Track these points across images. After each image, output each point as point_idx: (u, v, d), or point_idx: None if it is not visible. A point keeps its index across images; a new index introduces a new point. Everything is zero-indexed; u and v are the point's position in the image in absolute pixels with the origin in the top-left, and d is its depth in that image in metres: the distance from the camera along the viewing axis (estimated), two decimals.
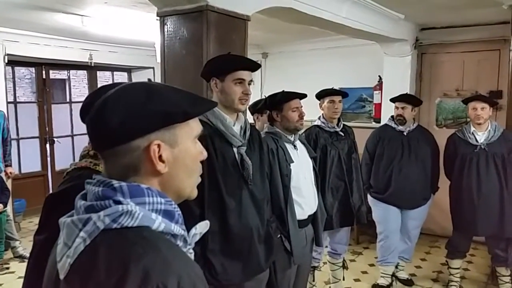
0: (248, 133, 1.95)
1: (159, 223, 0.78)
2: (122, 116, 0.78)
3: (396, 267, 3.72)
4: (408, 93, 3.84)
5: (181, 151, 0.83)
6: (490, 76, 4.30)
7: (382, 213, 3.48)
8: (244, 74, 1.86)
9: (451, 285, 3.50)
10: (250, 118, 3.12)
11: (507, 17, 3.48)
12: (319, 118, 3.16)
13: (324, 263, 3.61)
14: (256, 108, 3.15)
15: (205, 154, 0.89)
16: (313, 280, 3.27)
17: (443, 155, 3.46)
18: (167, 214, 0.81)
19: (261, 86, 5.69)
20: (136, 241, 0.74)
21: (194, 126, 0.86)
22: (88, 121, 0.82)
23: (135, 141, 0.78)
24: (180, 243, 0.82)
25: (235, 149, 1.89)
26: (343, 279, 3.45)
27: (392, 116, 3.53)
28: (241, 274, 1.89)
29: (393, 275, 3.68)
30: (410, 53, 4.50)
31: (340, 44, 5.00)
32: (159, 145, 0.79)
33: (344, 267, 3.44)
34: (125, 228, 0.75)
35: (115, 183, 0.78)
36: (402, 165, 3.38)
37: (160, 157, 0.80)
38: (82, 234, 0.75)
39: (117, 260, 0.72)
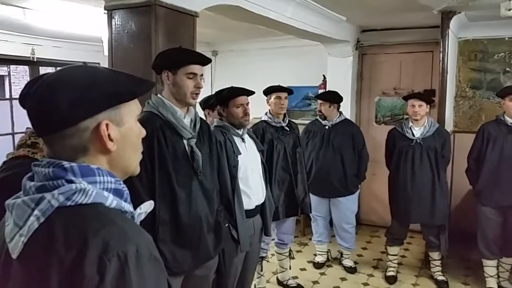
0: (198, 125, 2.01)
1: (111, 200, 0.82)
2: (71, 98, 0.79)
3: (342, 255, 3.97)
4: (332, 90, 4.06)
5: (126, 129, 0.88)
6: (425, 75, 4.61)
7: (311, 199, 3.70)
8: (196, 68, 1.92)
9: (389, 271, 3.75)
10: (201, 114, 3.19)
11: (438, 22, 3.77)
12: (266, 114, 3.29)
13: (272, 254, 3.75)
14: (207, 104, 3.22)
15: (144, 132, 0.95)
16: (261, 270, 3.40)
17: (384, 149, 3.71)
18: (117, 193, 0.85)
19: (211, 83, 5.75)
20: (92, 216, 0.78)
21: (135, 106, 0.91)
22: (32, 106, 0.82)
23: (84, 121, 0.81)
24: None
25: (185, 141, 1.94)
26: (290, 268, 3.61)
27: (320, 111, 3.86)
28: (191, 262, 1.96)
29: (334, 259, 4.04)
30: (352, 54, 4.73)
31: (287, 44, 5.16)
32: (107, 124, 0.83)
33: (291, 256, 3.60)
34: (79, 205, 0.79)
35: (66, 163, 0.81)
36: (320, 155, 3.71)
37: (109, 135, 0.83)
38: (36, 212, 0.77)
39: (75, 234, 0.75)
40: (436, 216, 3.39)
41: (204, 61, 1.97)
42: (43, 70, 6.50)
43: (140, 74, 0.95)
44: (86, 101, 0.80)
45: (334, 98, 3.76)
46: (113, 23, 2.27)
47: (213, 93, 3.06)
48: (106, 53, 2.48)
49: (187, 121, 1.97)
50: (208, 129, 2.16)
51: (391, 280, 3.68)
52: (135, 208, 0.91)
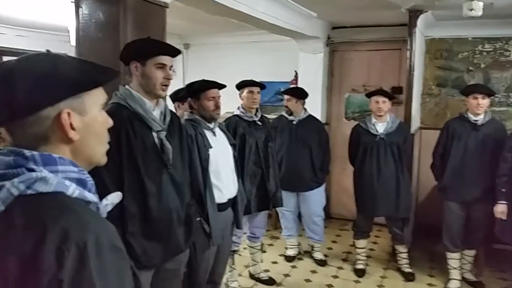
0: (168, 118, 1.98)
1: (73, 189, 0.81)
2: (31, 85, 0.78)
3: (312, 248, 4.04)
4: (298, 86, 4.15)
5: (90, 119, 0.87)
6: (392, 73, 4.72)
7: None
8: (166, 59, 1.89)
9: (358, 264, 3.84)
10: (171, 107, 3.15)
11: (405, 20, 3.86)
12: (238, 108, 3.29)
13: (244, 248, 3.76)
14: (178, 97, 3.19)
15: (110, 122, 0.93)
16: (233, 264, 3.40)
17: (348, 144, 3.78)
18: (80, 183, 0.84)
19: (183, 77, 5.70)
20: (52, 205, 0.77)
21: (100, 95, 0.90)
22: None
23: (44, 110, 0.80)
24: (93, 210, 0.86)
25: (154, 134, 1.91)
26: (261, 262, 3.64)
27: (286, 106, 3.90)
28: (161, 255, 1.94)
29: (304, 252, 4.08)
30: (323, 50, 4.79)
31: (260, 39, 5.17)
32: (69, 113, 0.82)
33: (262, 250, 3.63)
34: (40, 194, 0.77)
35: (27, 152, 0.80)
36: (290, 151, 3.76)
37: (71, 124, 0.83)
38: None
39: (34, 223, 0.74)
40: (400, 209, 3.50)
41: (173, 52, 1.94)
42: (6, 59, 6.22)
43: (108, 65, 0.94)
44: (46, 89, 0.80)
45: (300, 94, 3.81)
46: (80, 13, 2.20)
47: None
48: (73, 43, 2.40)
49: (156, 113, 1.94)
50: (179, 122, 2.14)
51: (360, 273, 3.76)
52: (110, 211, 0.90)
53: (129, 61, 1.89)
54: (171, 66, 1.94)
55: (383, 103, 3.48)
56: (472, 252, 3.56)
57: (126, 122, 1.82)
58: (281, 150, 3.77)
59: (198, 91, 2.50)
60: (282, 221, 4.02)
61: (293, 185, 3.80)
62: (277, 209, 3.86)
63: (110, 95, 1.88)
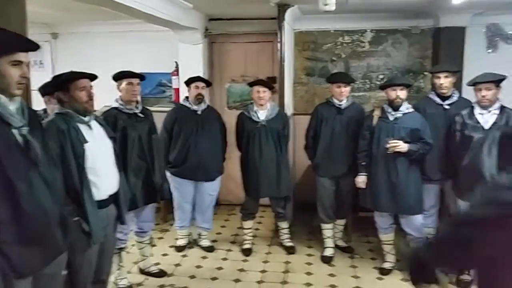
0: (26, 113, 1.85)
1: None
2: None
3: (199, 236, 4.12)
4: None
5: None
6: (267, 64, 5.00)
7: (178, 186, 3.83)
8: (22, 56, 1.76)
9: (245, 243, 4.08)
10: (40, 101, 2.93)
11: (275, 14, 4.10)
12: (116, 101, 3.19)
13: (133, 245, 3.69)
14: (47, 90, 2.97)
15: None
16: (121, 262, 3.32)
17: (234, 132, 3.96)
18: None
19: (52, 68, 5.26)
20: None
21: None
22: None
23: None
24: None
25: (15, 131, 1.77)
26: (151, 256, 3.61)
27: (186, 97, 3.93)
28: (41, 260, 1.83)
29: (194, 241, 4.18)
30: (202, 42, 4.85)
31: (138, 29, 4.98)
32: None
33: (152, 244, 3.60)
34: None
35: None
36: (197, 141, 3.79)
37: None
38: None
39: None
40: (281, 188, 3.81)
41: (32, 47, 1.81)
42: None
43: None
44: None
45: (209, 82, 3.98)
46: None
47: None
48: None
49: (12, 108, 1.79)
50: (36, 116, 2.00)
51: (247, 252, 4.00)
52: None
53: None
54: (28, 63, 1.80)
55: (264, 93, 3.75)
56: (342, 222, 4.04)
57: None
58: (188, 141, 3.76)
59: (67, 82, 2.36)
60: (177, 213, 4.02)
61: (198, 175, 3.84)
62: (174, 200, 3.86)
63: None
